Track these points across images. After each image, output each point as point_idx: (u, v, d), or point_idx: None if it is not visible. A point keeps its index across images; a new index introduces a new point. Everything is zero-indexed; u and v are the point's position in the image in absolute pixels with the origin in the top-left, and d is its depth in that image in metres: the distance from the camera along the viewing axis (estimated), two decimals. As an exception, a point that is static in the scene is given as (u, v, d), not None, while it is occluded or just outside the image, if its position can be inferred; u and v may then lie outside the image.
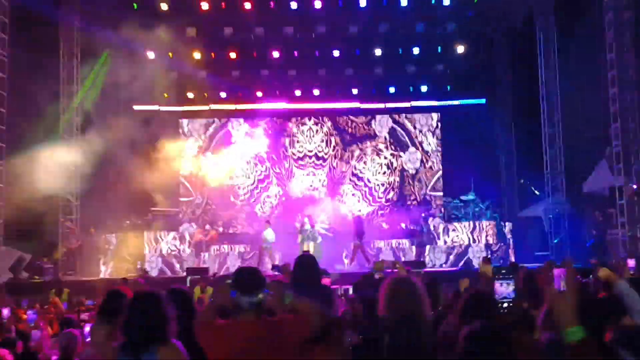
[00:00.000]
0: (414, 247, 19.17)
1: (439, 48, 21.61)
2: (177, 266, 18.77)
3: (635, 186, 16.05)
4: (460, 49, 21.29)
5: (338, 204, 22.74)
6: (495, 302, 3.12)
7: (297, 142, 23.46)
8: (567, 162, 19.88)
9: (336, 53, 21.42)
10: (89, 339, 6.28)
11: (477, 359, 2.86)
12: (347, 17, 20.47)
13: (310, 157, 23.43)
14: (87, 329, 6.65)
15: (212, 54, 21.34)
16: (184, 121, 23.46)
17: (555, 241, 19.66)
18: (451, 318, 4.05)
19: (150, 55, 20.65)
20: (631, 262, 8.99)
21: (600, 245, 17.06)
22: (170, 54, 20.77)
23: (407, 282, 4.10)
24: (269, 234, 18.33)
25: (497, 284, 3.07)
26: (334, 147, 23.47)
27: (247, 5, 19.83)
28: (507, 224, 19.73)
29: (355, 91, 22.82)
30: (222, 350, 3.79)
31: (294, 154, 23.43)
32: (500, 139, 22.88)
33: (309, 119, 23.52)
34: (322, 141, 23.47)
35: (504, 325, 2.86)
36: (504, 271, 2.99)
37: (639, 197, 15.97)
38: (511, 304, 3.04)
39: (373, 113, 23.51)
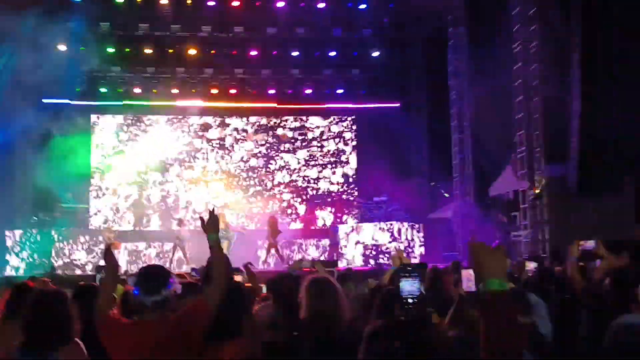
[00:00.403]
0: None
1: (355, 52, 21.94)
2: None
3: (536, 191, 16.79)
4: (376, 54, 21.74)
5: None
6: (400, 299, 3.26)
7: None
8: (475, 167, 20.57)
9: (253, 53, 21.45)
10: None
11: (380, 359, 2.96)
12: (265, 18, 20.51)
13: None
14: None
15: (128, 50, 20.96)
16: (95, 116, 22.93)
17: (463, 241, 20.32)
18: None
19: (62, 47, 20.07)
20: (531, 265, 9.42)
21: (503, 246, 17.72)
22: (82, 47, 20.25)
23: (326, 282, 4.21)
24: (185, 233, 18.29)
25: (403, 281, 3.19)
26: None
27: (164, 1, 19.60)
28: (418, 225, 20.23)
29: (272, 92, 22.90)
30: (126, 350, 3.70)
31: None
32: (413, 142, 23.48)
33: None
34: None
35: (408, 322, 2.99)
36: (409, 268, 3.13)
37: (540, 201, 16.70)
38: (416, 302, 3.17)
39: (289, 114, 23.70)
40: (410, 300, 3.05)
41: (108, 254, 4.31)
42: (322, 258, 18.87)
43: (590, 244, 6.58)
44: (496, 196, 18.96)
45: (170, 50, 21.12)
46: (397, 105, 23.34)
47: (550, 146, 16.45)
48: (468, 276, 4.65)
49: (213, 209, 4.14)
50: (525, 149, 17.29)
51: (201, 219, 4.06)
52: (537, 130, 16.91)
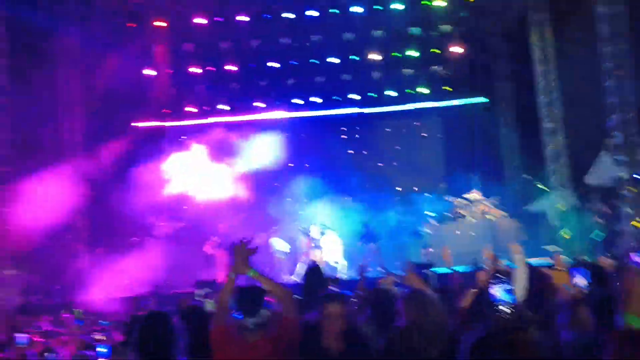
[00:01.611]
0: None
1: (436, 50, 21.67)
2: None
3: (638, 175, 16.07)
4: (457, 50, 21.40)
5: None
6: (493, 305, 3.15)
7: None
8: (569, 155, 19.89)
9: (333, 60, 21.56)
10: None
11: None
12: (341, 23, 20.56)
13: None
14: (101, 349, 6.72)
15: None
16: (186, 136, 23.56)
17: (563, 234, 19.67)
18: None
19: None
20: (636, 258, 8.92)
21: (610, 238, 17.00)
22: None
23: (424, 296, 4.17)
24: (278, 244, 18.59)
25: (495, 288, 3.08)
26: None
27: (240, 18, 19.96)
28: (512, 219, 19.71)
29: (354, 96, 22.94)
30: None
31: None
32: (502, 136, 22.99)
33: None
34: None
35: (506, 329, 2.89)
36: (498, 275, 3.02)
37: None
38: (513, 311, 3.06)
39: (374, 118, 23.66)
40: (505, 309, 2.95)
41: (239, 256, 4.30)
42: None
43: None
44: (594, 185, 18.24)
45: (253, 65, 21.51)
46: (484, 100, 22.88)
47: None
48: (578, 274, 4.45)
49: (240, 243, 4.21)
50: (621, 133, 16.59)
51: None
52: (632, 113, 16.21)
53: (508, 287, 3.10)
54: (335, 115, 23.44)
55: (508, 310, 3.00)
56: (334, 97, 22.92)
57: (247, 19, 19.88)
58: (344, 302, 4.19)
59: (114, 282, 19.10)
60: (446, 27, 20.80)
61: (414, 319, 3.88)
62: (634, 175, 16.10)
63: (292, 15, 20.03)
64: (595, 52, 16.92)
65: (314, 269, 6.07)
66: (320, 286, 5.72)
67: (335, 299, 4.13)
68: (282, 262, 18.62)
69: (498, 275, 3.04)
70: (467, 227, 19.25)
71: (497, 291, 3.09)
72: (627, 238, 16.45)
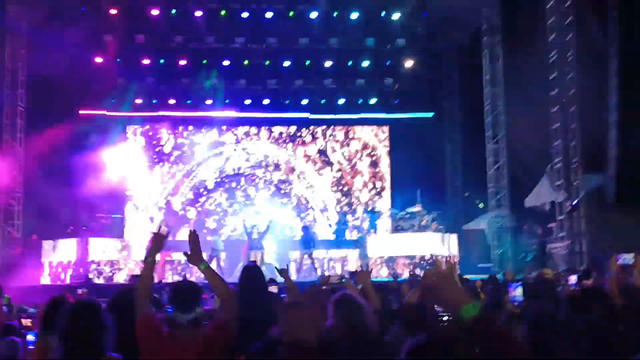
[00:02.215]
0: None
1: (388, 62, 21.90)
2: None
3: (574, 202, 16.54)
4: (409, 64, 21.68)
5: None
6: (436, 315, 3.21)
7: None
8: (510, 177, 20.33)
9: (287, 63, 21.55)
10: (31, 347, 6.17)
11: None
12: (298, 28, 20.58)
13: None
14: (29, 336, 6.53)
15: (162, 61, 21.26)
16: (131, 127, 23.23)
17: (498, 253, 20.08)
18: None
19: (98, 59, 20.48)
20: (572, 278, 9.18)
21: (540, 257, 17.47)
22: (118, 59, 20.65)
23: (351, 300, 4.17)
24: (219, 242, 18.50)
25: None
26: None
27: (198, 13, 19.78)
28: (451, 235, 20.03)
29: (305, 102, 22.95)
30: None
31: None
32: (447, 152, 23.37)
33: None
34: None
35: (446, 339, 2.94)
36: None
37: (578, 213, 16.44)
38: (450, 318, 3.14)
39: (322, 124, 23.75)
40: (445, 318, 3.02)
41: (156, 242, 4.18)
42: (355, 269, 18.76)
43: (628, 258, 6.45)
44: (532, 207, 18.69)
45: (205, 62, 21.32)
46: (431, 115, 23.20)
47: (588, 157, 16.21)
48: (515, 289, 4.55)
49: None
50: (562, 159, 17.05)
51: (185, 254, 4.13)
52: (574, 140, 16.67)
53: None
54: (285, 118, 23.42)
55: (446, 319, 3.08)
56: (285, 101, 22.89)
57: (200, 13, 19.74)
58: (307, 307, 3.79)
59: (47, 270, 18.69)
60: (400, 41, 21.03)
61: (339, 322, 3.89)
62: (572, 202, 16.56)
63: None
64: (544, 77, 17.38)
65: (252, 269, 5.97)
66: (259, 287, 5.66)
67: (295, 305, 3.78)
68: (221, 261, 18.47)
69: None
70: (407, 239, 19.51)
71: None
72: (558, 259, 16.96)
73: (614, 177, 14.84)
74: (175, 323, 3.81)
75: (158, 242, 4.11)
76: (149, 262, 4.11)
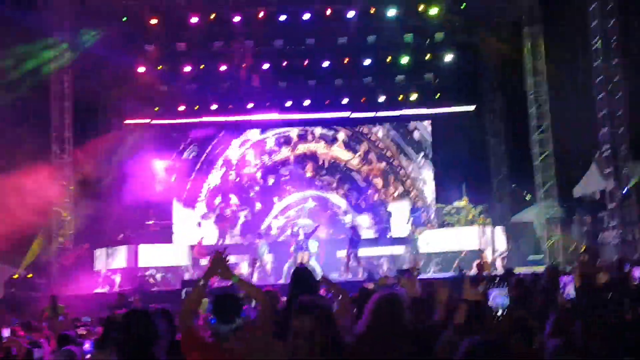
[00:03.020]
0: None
1: (427, 57, 21.72)
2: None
3: (624, 190, 16.20)
4: (449, 58, 21.48)
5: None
6: (490, 312, 3.16)
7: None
8: (557, 167, 19.99)
9: (325, 64, 21.56)
10: (88, 356, 6.31)
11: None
12: (335, 28, 20.57)
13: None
14: (86, 345, 6.68)
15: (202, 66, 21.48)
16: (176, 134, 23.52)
17: (548, 245, 19.76)
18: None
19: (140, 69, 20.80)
20: (637, 272, 8.90)
21: (593, 249, 17.13)
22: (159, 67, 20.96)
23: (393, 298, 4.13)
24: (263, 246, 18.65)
25: (490, 293, 3.11)
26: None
27: (236, 19, 19.92)
28: (499, 228, 19.81)
29: (345, 101, 22.93)
30: None
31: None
32: (490, 145, 23.10)
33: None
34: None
35: (501, 336, 2.91)
36: (497, 280, 3.05)
37: (629, 201, 16.10)
38: (505, 313, 3.09)
39: (364, 122, 23.71)
40: (499, 313, 2.98)
41: (215, 264, 4.32)
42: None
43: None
44: (581, 197, 18.37)
45: (244, 65, 21.47)
46: (472, 108, 22.96)
47: (637, 143, 15.88)
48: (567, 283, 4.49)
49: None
50: (610, 146, 16.72)
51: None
52: (622, 127, 16.34)
53: (504, 292, 3.13)
54: (326, 118, 23.45)
55: (500, 315, 3.04)
56: (326, 101, 22.90)
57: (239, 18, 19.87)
58: (318, 313, 3.40)
59: (99, 278, 19.07)
60: (439, 35, 20.88)
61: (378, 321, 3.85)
62: (623, 190, 16.23)
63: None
64: (588, 65, 17.07)
65: (303, 270, 5.98)
66: (309, 288, 5.65)
67: (304, 311, 3.39)
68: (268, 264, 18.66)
69: (494, 281, 3.06)
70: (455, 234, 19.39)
71: (496, 297, 3.13)
72: (611, 249, 16.62)
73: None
74: (217, 333, 3.90)
75: (217, 264, 4.22)
76: (201, 285, 4.22)
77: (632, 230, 16.05)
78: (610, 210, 16.92)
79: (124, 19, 19.68)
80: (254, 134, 23.80)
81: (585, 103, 17.39)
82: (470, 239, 18.96)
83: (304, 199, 23.05)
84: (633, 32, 15.69)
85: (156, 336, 3.96)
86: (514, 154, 22.06)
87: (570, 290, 4.70)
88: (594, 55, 16.99)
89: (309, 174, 23.47)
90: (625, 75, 16.03)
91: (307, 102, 22.84)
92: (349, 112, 23.24)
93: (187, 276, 19.04)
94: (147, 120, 22.26)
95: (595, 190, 17.60)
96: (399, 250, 19.97)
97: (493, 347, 2.73)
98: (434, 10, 20.08)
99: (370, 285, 7.82)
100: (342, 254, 19.07)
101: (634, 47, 15.86)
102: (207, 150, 23.56)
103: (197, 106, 22.54)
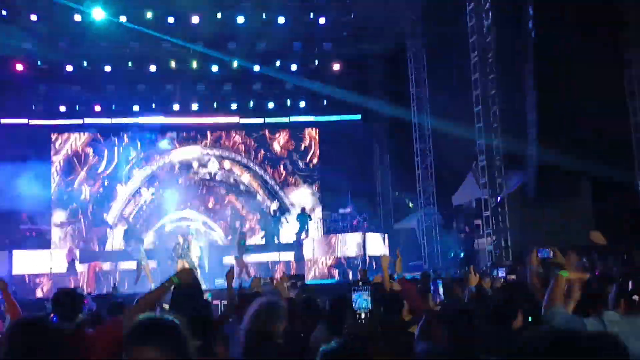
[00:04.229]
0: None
1: (316, 65, 22.02)
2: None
3: (498, 199, 17.01)
4: (336, 67, 21.88)
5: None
6: (353, 313, 3.28)
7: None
8: (437, 176, 20.73)
9: (215, 68, 21.42)
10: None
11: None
12: (225, 33, 20.48)
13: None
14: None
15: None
16: (54, 136, 22.55)
17: (427, 251, 20.45)
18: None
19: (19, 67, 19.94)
20: (501, 272, 9.47)
21: (469, 256, 17.91)
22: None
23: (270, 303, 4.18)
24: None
25: (354, 295, 3.22)
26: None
27: (123, 19, 19.44)
28: (383, 235, 20.31)
29: (234, 106, 22.85)
30: None
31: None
32: (375, 153, 23.64)
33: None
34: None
35: (360, 340, 3.01)
36: (360, 282, 3.18)
37: (502, 209, 16.91)
38: (368, 314, 3.21)
39: (252, 128, 23.64)
40: (362, 315, 3.09)
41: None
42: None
43: (546, 250, 6.67)
44: (459, 205, 19.16)
45: (130, 66, 20.99)
46: (358, 116, 23.46)
47: (510, 155, 16.69)
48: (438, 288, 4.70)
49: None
50: (485, 157, 17.49)
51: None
52: (497, 139, 17.14)
53: (366, 294, 3.25)
54: (214, 123, 23.24)
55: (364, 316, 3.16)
56: (215, 105, 22.73)
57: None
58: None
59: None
60: (327, 45, 21.24)
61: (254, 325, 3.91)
62: (497, 198, 17.03)
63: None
64: (467, 79, 17.83)
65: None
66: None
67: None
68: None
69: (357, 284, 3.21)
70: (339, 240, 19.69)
71: (358, 299, 3.25)
72: (484, 255, 17.42)
73: (535, 174, 15.40)
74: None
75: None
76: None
77: (505, 237, 16.86)
78: (485, 218, 17.71)
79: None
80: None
81: (464, 115, 18.12)
82: (354, 245, 19.31)
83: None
84: (508, 49, 16.51)
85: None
86: (398, 163, 22.67)
87: (440, 295, 4.95)
88: (472, 70, 17.75)
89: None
90: (500, 90, 16.80)
91: (195, 106, 22.58)
92: (238, 117, 23.14)
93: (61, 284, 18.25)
94: (25, 120, 21.31)
95: (471, 198, 18.40)
96: (287, 256, 20.09)
97: (351, 352, 2.75)
98: (322, 20, 20.40)
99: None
100: (229, 260, 18.97)
101: (509, 62, 16.68)
102: (90, 153, 22.76)
103: (79, 107, 21.78)
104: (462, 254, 18.53)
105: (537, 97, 14.85)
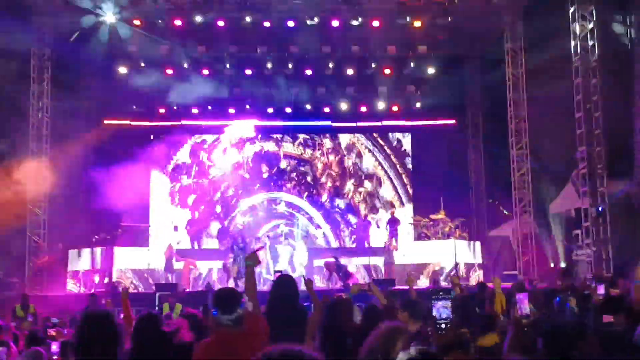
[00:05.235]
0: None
1: (410, 69, 21.76)
2: (150, 280, 18.88)
3: (600, 208, 16.33)
4: (431, 71, 21.54)
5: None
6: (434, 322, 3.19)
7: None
8: (534, 183, 20.09)
9: (308, 72, 21.55)
10: (55, 357, 6.24)
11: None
12: (319, 37, 20.54)
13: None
14: (53, 346, 6.58)
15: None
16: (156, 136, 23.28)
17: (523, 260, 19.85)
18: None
19: (122, 70, 20.66)
20: (600, 289, 8.97)
21: (569, 268, 17.26)
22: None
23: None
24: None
25: (435, 304, 3.14)
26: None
27: (221, 23, 19.78)
28: (476, 243, 19.90)
29: (327, 110, 22.97)
30: None
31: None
32: (470, 159, 23.23)
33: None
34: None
35: (439, 351, 2.94)
36: (441, 292, 3.10)
37: (603, 219, 16.22)
38: (448, 325, 3.13)
39: (344, 131, 23.71)
40: (442, 325, 3.00)
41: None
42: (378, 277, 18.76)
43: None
44: (557, 213, 18.50)
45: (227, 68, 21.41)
46: (453, 122, 23.11)
47: (613, 162, 16.02)
48: (522, 299, 4.54)
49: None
50: (587, 165, 16.85)
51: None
52: (599, 146, 16.49)
53: (447, 303, 3.17)
54: (307, 126, 23.44)
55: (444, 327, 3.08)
56: (307, 109, 22.93)
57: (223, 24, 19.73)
58: None
59: (72, 279, 18.90)
60: (422, 48, 20.94)
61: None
62: (597, 208, 16.36)
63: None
64: (568, 84, 17.24)
65: (285, 278, 6.23)
66: (289, 297, 5.87)
67: None
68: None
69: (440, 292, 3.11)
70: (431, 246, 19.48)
71: (439, 308, 3.18)
72: (583, 266, 16.77)
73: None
74: (218, 324, 4.11)
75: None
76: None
77: (605, 248, 16.17)
78: (585, 228, 17.04)
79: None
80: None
81: (564, 121, 17.53)
82: (446, 252, 19.02)
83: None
84: (612, 53, 15.87)
85: (115, 338, 3.91)
86: (493, 169, 22.18)
87: (525, 307, 4.76)
88: (574, 73, 17.15)
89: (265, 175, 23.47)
90: (603, 95, 16.18)
91: (288, 110, 22.83)
92: (330, 121, 23.26)
93: (162, 280, 18.87)
94: (127, 122, 22.12)
95: (571, 207, 17.75)
96: (375, 260, 19.98)
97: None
98: (417, 23, 20.10)
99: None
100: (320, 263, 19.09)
101: (614, 67, 16.03)
102: (182, 154, 23.43)
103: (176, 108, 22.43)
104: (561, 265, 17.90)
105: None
